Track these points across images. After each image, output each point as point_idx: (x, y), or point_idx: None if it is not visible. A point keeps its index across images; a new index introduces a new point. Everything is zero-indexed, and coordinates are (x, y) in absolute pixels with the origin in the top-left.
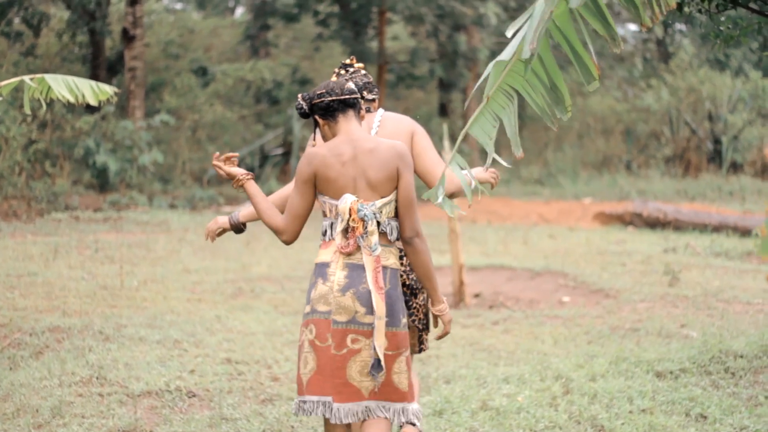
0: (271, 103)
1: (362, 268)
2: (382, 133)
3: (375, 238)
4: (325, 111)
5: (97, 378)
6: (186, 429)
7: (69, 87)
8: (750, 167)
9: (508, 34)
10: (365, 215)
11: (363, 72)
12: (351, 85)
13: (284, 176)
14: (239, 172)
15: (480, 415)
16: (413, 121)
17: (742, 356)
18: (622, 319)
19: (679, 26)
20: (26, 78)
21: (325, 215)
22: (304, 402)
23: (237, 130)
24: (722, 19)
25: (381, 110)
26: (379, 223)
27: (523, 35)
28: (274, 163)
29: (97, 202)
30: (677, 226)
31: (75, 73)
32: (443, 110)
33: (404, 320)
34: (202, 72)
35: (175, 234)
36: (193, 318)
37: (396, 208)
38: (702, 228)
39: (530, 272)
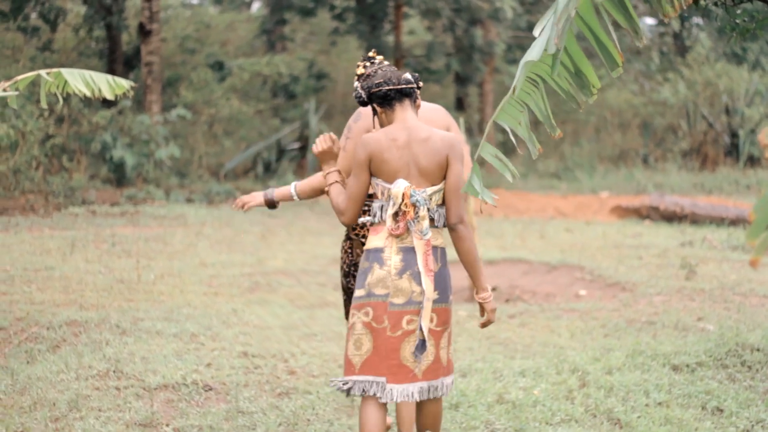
0: (287, 98)
1: (413, 251)
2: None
3: (426, 223)
4: (383, 99)
5: (113, 371)
6: (202, 422)
7: (85, 81)
8: (767, 161)
9: (536, 33)
10: (417, 201)
11: (387, 63)
12: (408, 75)
13: (301, 170)
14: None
15: (496, 408)
16: (447, 114)
17: (758, 349)
18: (638, 312)
19: (696, 20)
20: (43, 72)
21: (376, 197)
22: (356, 382)
23: (253, 125)
24: (738, 12)
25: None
26: (428, 209)
27: (549, 32)
28: (291, 157)
29: (114, 197)
30: (694, 219)
31: (91, 67)
32: (459, 104)
33: (451, 296)
34: (218, 66)
35: (192, 228)
36: (209, 311)
37: (443, 196)
38: (719, 221)
39: (547, 266)
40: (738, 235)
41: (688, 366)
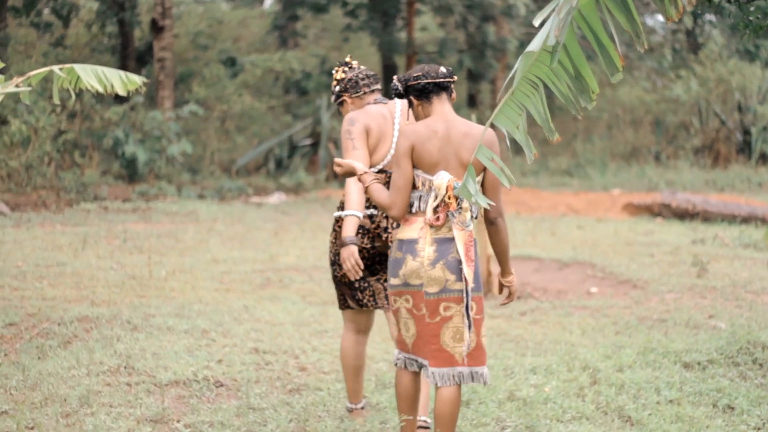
0: (299, 94)
1: (449, 240)
2: (404, 119)
3: (468, 215)
4: (420, 92)
5: (125, 367)
6: (213, 418)
7: (98, 77)
8: None
9: (536, 23)
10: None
11: (364, 67)
12: (444, 69)
13: (313, 167)
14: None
15: (507, 405)
16: (408, 110)
17: None
18: (650, 309)
19: (709, 17)
20: (55, 68)
21: (416, 188)
22: (413, 359)
23: (265, 121)
24: (752, 9)
25: (397, 100)
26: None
27: (549, 24)
28: (303, 153)
29: (126, 193)
30: (706, 217)
31: (104, 63)
32: (472, 101)
33: (482, 285)
34: (230, 63)
35: (204, 224)
36: (221, 308)
37: (483, 189)
38: (731, 219)
39: (558, 263)
40: (750, 233)
41: (699, 364)
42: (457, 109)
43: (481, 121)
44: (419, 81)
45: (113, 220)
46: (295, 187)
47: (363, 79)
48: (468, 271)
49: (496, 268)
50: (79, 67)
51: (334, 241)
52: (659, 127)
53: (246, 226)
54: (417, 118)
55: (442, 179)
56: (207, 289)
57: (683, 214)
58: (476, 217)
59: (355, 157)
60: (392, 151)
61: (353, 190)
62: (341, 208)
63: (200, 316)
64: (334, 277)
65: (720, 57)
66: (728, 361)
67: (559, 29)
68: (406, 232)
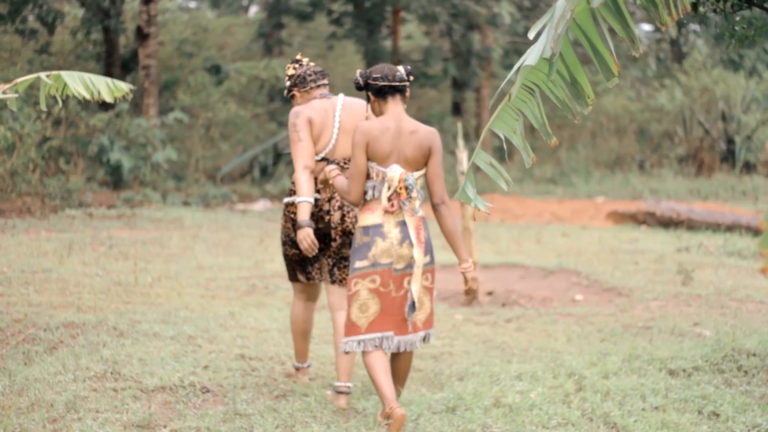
0: (284, 102)
1: (406, 225)
2: (345, 113)
3: (418, 204)
4: (377, 92)
5: (111, 373)
6: (200, 424)
7: (85, 84)
8: (763, 167)
9: (531, 35)
10: (410, 184)
11: (313, 64)
12: (402, 73)
13: None
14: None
15: (493, 411)
16: (367, 104)
17: (755, 354)
18: (635, 317)
19: (693, 26)
20: (42, 75)
21: (369, 178)
22: (364, 341)
23: (250, 129)
24: (737, 19)
25: (342, 95)
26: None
27: (545, 36)
28: (287, 161)
29: (111, 199)
30: (690, 225)
31: (89, 70)
32: (456, 109)
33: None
34: (215, 70)
35: (189, 231)
36: (206, 314)
37: (426, 180)
38: (715, 227)
39: (543, 270)
40: (734, 241)
41: (684, 371)
42: (442, 117)
43: (466, 130)
44: (377, 82)
45: (98, 227)
46: (280, 194)
47: (310, 75)
48: (418, 251)
49: (481, 276)
50: (66, 74)
51: (284, 224)
52: (643, 135)
53: (231, 233)
54: (374, 111)
55: (395, 172)
56: (193, 295)
57: (668, 223)
58: (420, 203)
59: (301, 147)
60: (333, 141)
61: (303, 178)
62: (291, 194)
63: (186, 323)
64: (285, 255)
65: (704, 66)
66: (713, 368)
67: (555, 41)
68: (369, 219)
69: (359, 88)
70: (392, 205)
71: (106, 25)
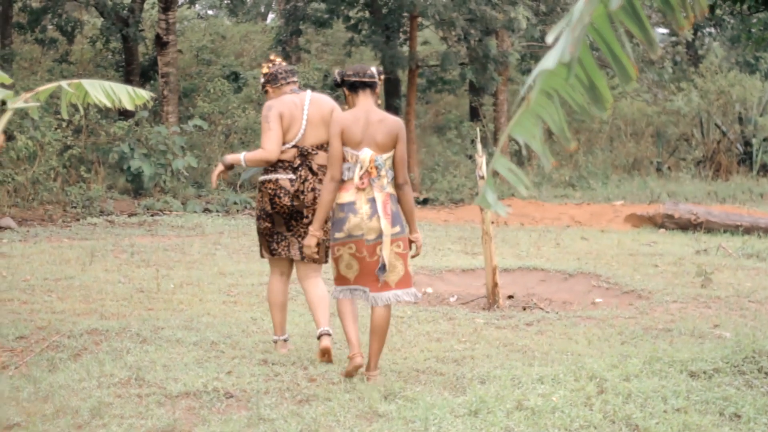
0: None
1: (375, 201)
2: (312, 107)
3: (386, 181)
4: (351, 87)
5: (135, 379)
6: (224, 429)
7: (106, 92)
8: None
9: (549, 40)
10: (379, 164)
11: (285, 63)
12: (373, 70)
13: None
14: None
15: (515, 414)
16: (333, 101)
17: None
18: (655, 319)
19: (709, 29)
20: (64, 83)
21: (346, 161)
22: (354, 289)
23: None
24: (753, 21)
25: (309, 91)
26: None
27: (563, 40)
28: None
29: (132, 207)
30: (708, 227)
31: (108, 79)
32: (474, 114)
33: (406, 228)
34: (234, 77)
35: (210, 237)
36: (229, 320)
37: (393, 163)
38: (733, 230)
39: (563, 274)
40: (753, 243)
41: (705, 373)
42: (460, 122)
43: (484, 134)
44: (350, 78)
45: (120, 234)
46: None
47: (281, 73)
48: (385, 223)
49: (501, 280)
50: (86, 82)
51: (260, 198)
52: (660, 139)
53: (252, 239)
54: (348, 104)
55: (366, 154)
56: (215, 301)
57: (686, 225)
58: (390, 182)
59: (270, 136)
60: (302, 131)
61: (258, 152)
62: (267, 172)
63: (209, 329)
64: (258, 229)
65: (720, 69)
66: (734, 370)
67: (574, 45)
68: (344, 197)
69: (337, 84)
70: (363, 183)
71: (125, 34)
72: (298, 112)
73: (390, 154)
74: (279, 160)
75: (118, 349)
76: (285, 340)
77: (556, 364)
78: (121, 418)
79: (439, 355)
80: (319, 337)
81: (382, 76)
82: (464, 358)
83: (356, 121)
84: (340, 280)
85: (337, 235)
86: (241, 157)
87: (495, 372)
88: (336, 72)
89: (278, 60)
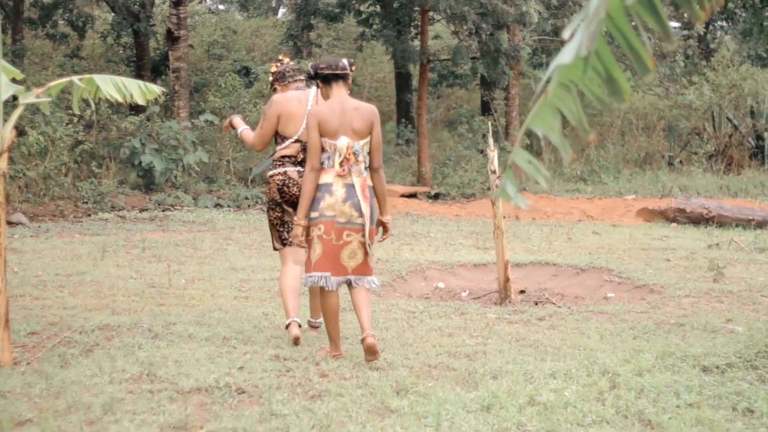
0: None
1: (353, 186)
2: (314, 104)
3: (363, 166)
4: (324, 79)
5: (147, 375)
6: (236, 425)
7: (117, 87)
8: None
9: (565, 35)
10: (356, 150)
11: (292, 63)
12: (345, 62)
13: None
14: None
15: (528, 409)
16: (310, 93)
17: None
18: (667, 314)
19: (721, 23)
20: (75, 78)
21: (324, 150)
22: (311, 276)
23: None
24: (766, 14)
25: (314, 88)
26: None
27: (579, 34)
28: None
29: (143, 202)
30: (720, 221)
31: (119, 74)
32: (485, 108)
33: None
34: (245, 72)
35: (221, 233)
36: (240, 315)
37: (369, 149)
38: (745, 224)
39: (575, 268)
40: (765, 237)
41: (717, 367)
42: (471, 117)
43: (495, 128)
44: (323, 71)
45: (131, 230)
46: None
47: (288, 72)
48: (365, 206)
49: (513, 275)
50: (98, 78)
51: (269, 189)
52: (672, 133)
53: (263, 234)
54: (323, 95)
55: (343, 143)
56: (226, 297)
57: (698, 219)
58: (366, 168)
59: (259, 133)
60: (304, 125)
61: (251, 133)
62: (276, 166)
63: (220, 324)
64: (269, 221)
65: (732, 63)
66: (747, 365)
67: (590, 40)
68: (324, 179)
69: (310, 77)
70: (344, 170)
71: (136, 29)
72: (300, 108)
73: (366, 140)
74: (284, 156)
75: (130, 344)
76: (299, 324)
77: (568, 359)
78: (133, 413)
79: (451, 350)
80: (310, 326)
81: (353, 67)
82: (476, 353)
83: (332, 112)
84: (307, 264)
85: (313, 214)
86: (240, 129)
87: (507, 367)
88: (310, 65)
89: (286, 60)
